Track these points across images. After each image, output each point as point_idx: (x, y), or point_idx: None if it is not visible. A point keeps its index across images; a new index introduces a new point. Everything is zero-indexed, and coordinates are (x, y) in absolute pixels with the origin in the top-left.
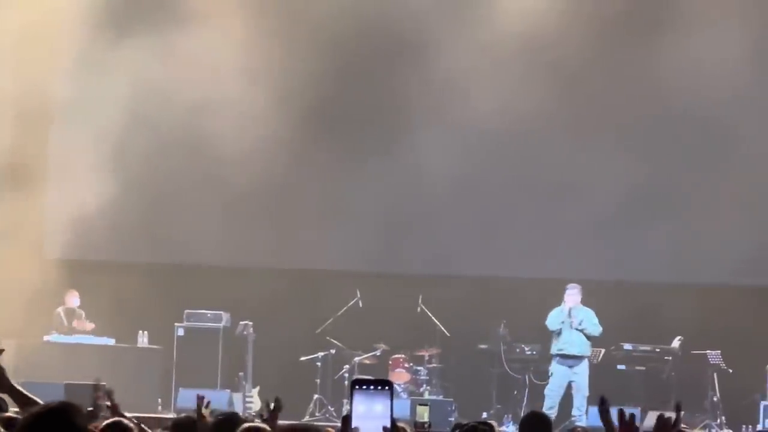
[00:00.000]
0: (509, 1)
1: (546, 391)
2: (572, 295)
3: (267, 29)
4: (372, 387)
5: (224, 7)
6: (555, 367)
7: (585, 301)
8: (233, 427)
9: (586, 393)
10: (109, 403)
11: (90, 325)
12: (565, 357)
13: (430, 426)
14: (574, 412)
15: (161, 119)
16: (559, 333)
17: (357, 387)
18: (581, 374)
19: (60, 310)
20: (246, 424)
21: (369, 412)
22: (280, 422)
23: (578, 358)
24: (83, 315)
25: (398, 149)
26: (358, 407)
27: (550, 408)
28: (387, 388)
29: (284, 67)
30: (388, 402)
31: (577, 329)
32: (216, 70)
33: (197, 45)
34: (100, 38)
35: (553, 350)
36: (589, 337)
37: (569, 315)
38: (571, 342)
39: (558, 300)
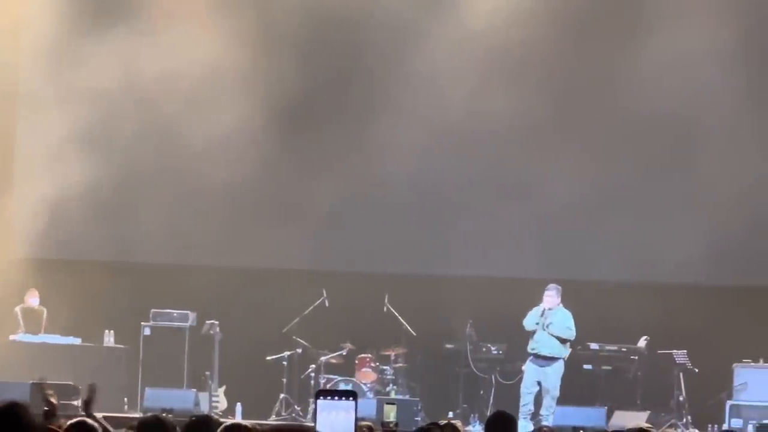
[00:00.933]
0: (478, 0)
1: (521, 390)
2: (549, 296)
3: (236, 26)
4: (336, 397)
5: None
6: (527, 366)
7: (560, 300)
8: (207, 429)
9: (555, 394)
10: (78, 403)
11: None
12: (536, 357)
13: (397, 425)
14: (542, 411)
15: (128, 117)
16: (534, 333)
17: (321, 397)
18: (551, 375)
19: (17, 309)
20: (229, 422)
21: (333, 423)
22: (267, 423)
23: (549, 359)
24: (45, 313)
25: (366, 148)
26: (322, 417)
27: (524, 405)
28: (351, 398)
29: (248, 64)
30: (353, 412)
31: (543, 330)
32: (181, 66)
33: (165, 40)
34: (69, 31)
35: (528, 349)
36: (564, 339)
37: (542, 315)
38: (543, 342)
39: (524, 300)
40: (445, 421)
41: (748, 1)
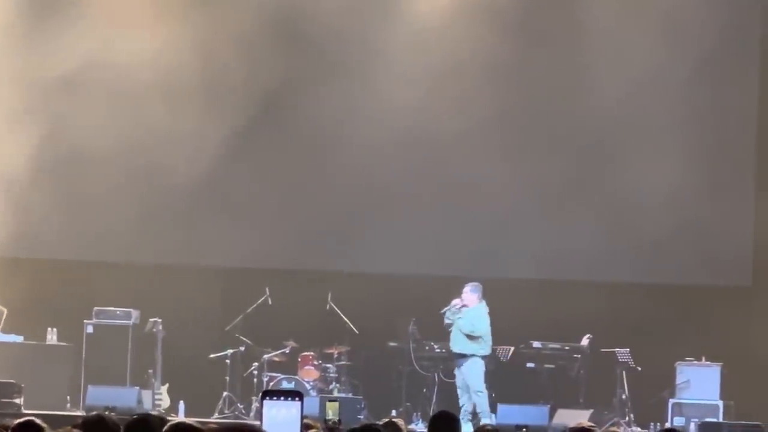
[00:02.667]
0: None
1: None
2: (465, 293)
3: (191, 19)
4: (282, 398)
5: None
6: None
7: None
8: (148, 427)
9: (478, 389)
10: (20, 401)
11: None
12: (454, 355)
13: (340, 423)
14: (477, 409)
15: (78, 115)
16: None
17: (267, 398)
18: (465, 371)
19: None
20: (175, 421)
21: (279, 423)
22: (211, 421)
23: (461, 356)
24: (5, 314)
25: (310, 147)
26: (269, 418)
27: (462, 406)
28: (297, 399)
29: (200, 60)
30: (298, 413)
31: (447, 323)
32: (136, 61)
33: (118, 34)
34: (22, 21)
35: None
36: (471, 336)
37: (455, 312)
38: (453, 340)
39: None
40: (387, 419)
41: (678, 8)
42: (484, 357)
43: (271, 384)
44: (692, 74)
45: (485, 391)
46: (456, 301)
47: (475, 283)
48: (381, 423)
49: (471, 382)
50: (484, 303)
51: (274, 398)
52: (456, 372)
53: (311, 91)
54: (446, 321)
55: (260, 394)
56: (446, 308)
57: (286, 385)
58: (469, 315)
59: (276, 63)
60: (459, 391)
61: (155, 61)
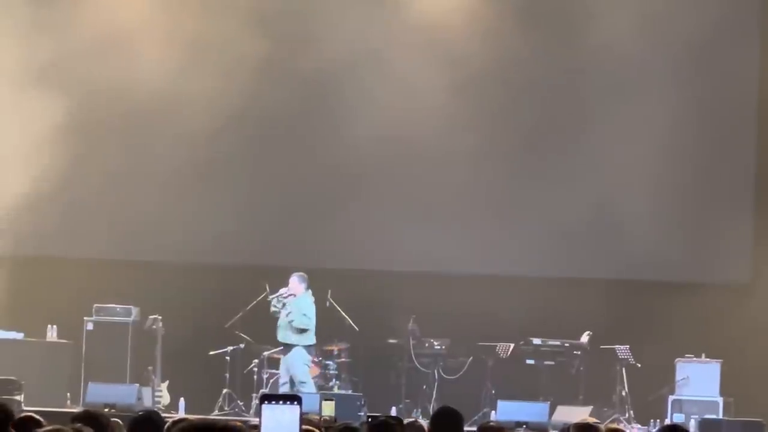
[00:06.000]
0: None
1: None
2: (292, 282)
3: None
4: (281, 401)
5: None
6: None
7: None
8: (153, 425)
9: (302, 380)
10: (20, 398)
11: None
12: (280, 344)
13: (335, 421)
14: None
15: (83, 113)
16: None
17: (266, 402)
18: (290, 362)
19: None
20: (177, 417)
21: (278, 427)
22: (210, 418)
23: (287, 346)
24: None
25: (309, 143)
26: (267, 422)
27: None
28: (296, 402)
29: (205, 53)
30: (297, 417)
31: (285, 320)
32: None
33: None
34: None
35: None
36: (301, 329)
37: (281, 301)
38: (279, 331)
39: (467, 295)
40: (412, 419)
41: None
42: (308, 347)
43: (271, 381)
44: (687, 67)
45: (309, 382)
46: (283, 290)
47: (302, 273)
48: (406, 422)
49: (295, 371)
50: (309, 292)
51: (273, 402)
52: (282, 362)
53: (312, 89)
54: (272, 309)
55: (259, 395)
56: (273, 295)
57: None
58: (299, 305)
59: (281, 64)
60: (280, 382)
61: (159, 71)
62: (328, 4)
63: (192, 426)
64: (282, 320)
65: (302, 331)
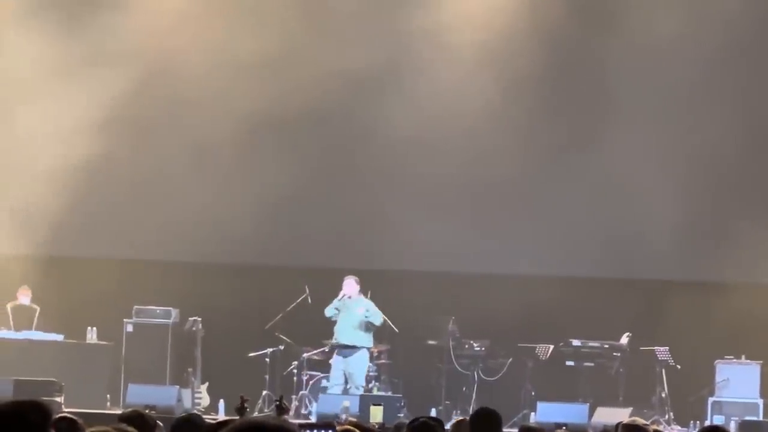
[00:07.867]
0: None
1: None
2: (348, 284)
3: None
4: (315, 430)
5: None
6: (334, 360)
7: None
8: (194, 427)
9: (362, 383)
10: (60, 399)
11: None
12: (339, 347)
13: (383, 426)
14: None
15: (130, 108)
16: (335, 324)
17: (302, 430)
18: (353, 364)
19: (8, 306)
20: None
21: None
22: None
23: (351, 348)
24: (37, 311)
25: (349, 143)
26: None
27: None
28: (330, 431)
29: (221, 49)
30: None
31: (364, 320)
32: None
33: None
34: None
35: (332, 341)
36: (369, 328)
37: (340, 300)
38: (342, 332)
39: (507, 296)
40: (460, 419)
41: None
42: (369, 349)
43: (311, 383)
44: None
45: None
46: (343, 293)
47: (356, 277)
48: (456, 421)
49: (358, 374)
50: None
51: (308, 431)
52: (338, 363)
53: (351, 89)
54: (332, 312)
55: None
56: (337, 300)
57: (324, 384)
58: (363, 304)
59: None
60: (330, 384)
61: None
62: (365, 5)
63: (245, 424)
64: (349, 321)
65: (369, 330)
